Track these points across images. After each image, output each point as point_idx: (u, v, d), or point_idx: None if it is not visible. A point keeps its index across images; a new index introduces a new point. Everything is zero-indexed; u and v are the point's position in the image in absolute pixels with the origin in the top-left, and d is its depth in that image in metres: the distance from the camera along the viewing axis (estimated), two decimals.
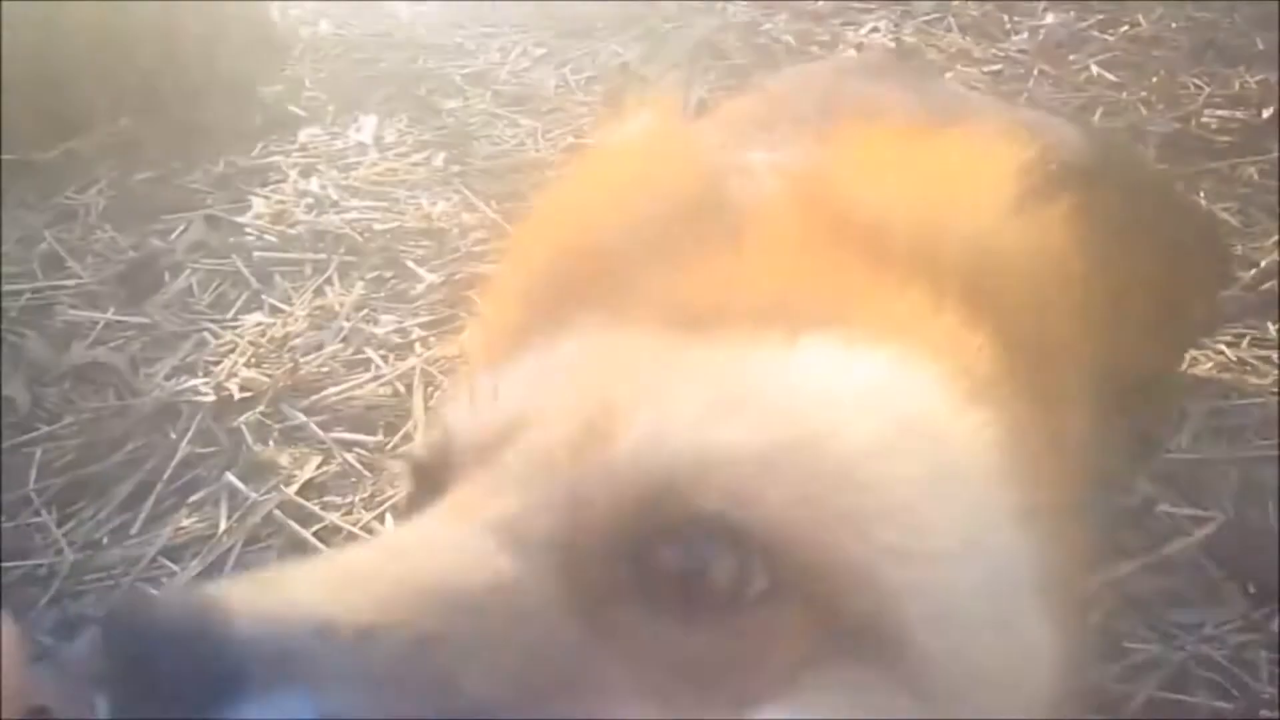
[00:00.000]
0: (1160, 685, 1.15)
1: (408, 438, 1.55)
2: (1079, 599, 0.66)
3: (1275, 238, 1.88)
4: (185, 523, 1.45)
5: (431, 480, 0.51)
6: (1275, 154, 2.10)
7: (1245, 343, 1.68)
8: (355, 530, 1.38)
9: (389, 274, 1.95)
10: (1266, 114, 2.21)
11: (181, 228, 2.11)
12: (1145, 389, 1.33)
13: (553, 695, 0.39)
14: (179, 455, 1.55)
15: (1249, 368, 1.63)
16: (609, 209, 0.73)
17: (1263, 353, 1.66)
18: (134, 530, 1.45)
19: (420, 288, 1.90)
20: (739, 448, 0.44)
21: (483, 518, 0.42)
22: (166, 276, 1.97)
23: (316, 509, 1.43)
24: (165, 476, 1.52)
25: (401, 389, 1.65)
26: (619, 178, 0.77)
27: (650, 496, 0.42)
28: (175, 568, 1.39)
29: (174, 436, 1.58)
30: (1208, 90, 2.33)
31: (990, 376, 0.58)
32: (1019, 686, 0.52)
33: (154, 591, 0.39)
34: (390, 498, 1.44)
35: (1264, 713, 1.12)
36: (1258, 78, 2.38)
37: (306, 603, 0.37)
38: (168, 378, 1.71)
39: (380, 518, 1.42)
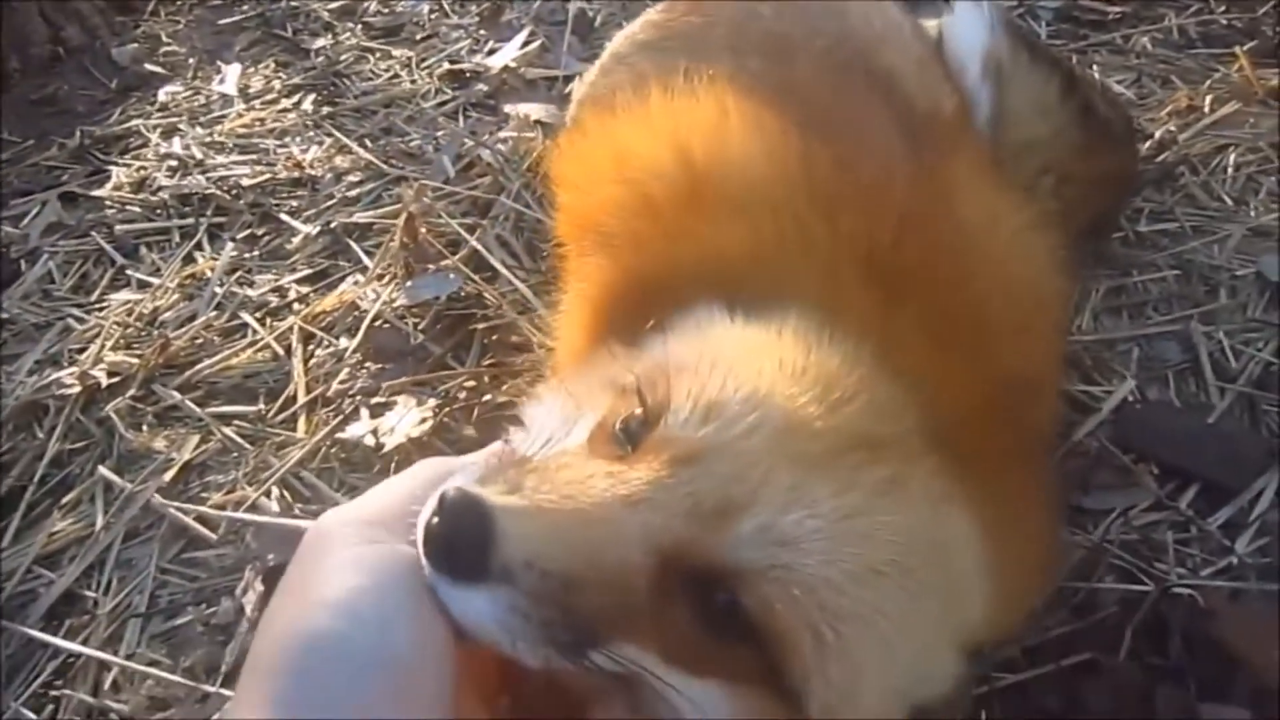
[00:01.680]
0: (1071, 576, 1.14)
1: (289, 402, 1.47)
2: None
3: (1169, 108, 1.84)
4: (60, 525, 1.36)
5: (641, 420, 0.73)
6: (1168, 22, 2.05)
7: (1144, 216, 1.65)
8: (238, 516, 1.30)
9: (261, 231, 1.83)
10: None
11: (35, 210, 1.96)
12: None
13: (616, 630, 0.66)
14: (49, 455, 1.45)
15: (1149, 243, 1.60)
16: None
17: (1162, 226, 1.63)
18: (5, 542, 1.36)
19: (296, 240, 1.78)
20: (785, 576, 0.67)
21: (644, 519, 0.65)
22: (23, 265, 1.83)
23: (195, 495, 1.35)
24: (35, 479, 1.43)
25: (280, 351, 1.56)
26: None
27: (723, 572, 0.67)
28: (52, 575, 1.31)
29: (42, 436, 1.48)
30: None
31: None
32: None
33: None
34: (275, 470, 1.36)
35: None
36: None
37: (524, 538, 0.62)
38: (30, 373, 1.59)
39: (266, 493, 1.34)
